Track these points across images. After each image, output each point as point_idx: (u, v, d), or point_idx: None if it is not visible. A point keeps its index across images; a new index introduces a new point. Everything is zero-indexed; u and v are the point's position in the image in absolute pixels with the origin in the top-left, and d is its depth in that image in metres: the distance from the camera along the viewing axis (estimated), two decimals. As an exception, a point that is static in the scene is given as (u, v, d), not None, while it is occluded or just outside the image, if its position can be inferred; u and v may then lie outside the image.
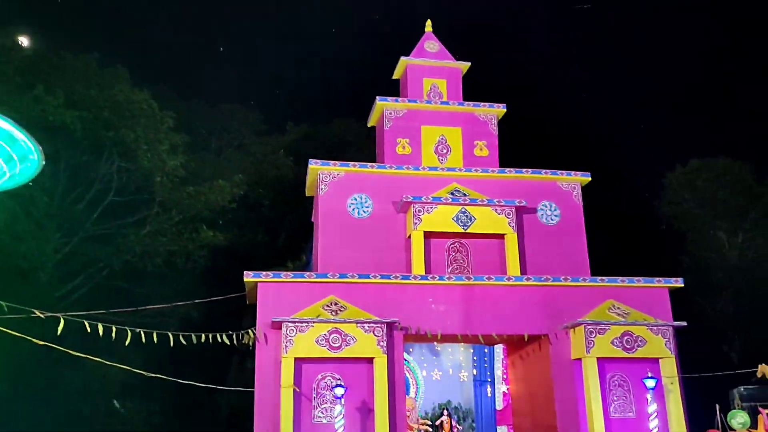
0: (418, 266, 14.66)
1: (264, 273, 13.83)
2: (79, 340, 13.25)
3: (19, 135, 7.68)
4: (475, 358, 18.82)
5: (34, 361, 18.79)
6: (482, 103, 16.87)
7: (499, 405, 18.16)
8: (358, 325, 13.10)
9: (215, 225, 24.92)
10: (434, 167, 15.94)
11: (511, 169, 16.13)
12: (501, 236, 15.32)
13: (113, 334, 11.90)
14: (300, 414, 12.78)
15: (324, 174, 15.41)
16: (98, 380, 21.12)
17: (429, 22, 18.08)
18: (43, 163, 8.01)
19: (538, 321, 14.36)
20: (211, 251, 24.26)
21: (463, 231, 15.08)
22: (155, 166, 22.67)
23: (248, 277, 13.72)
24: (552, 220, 15.97)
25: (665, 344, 13.86)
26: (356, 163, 15.93)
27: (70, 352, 11.80)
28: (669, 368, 13.83)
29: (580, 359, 13.86)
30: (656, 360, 13.89)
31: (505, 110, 16.97)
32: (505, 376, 17.90)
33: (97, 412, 21.22)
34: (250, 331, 13.45)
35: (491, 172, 16.04)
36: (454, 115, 16.72)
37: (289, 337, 12.84)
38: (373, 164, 16.00)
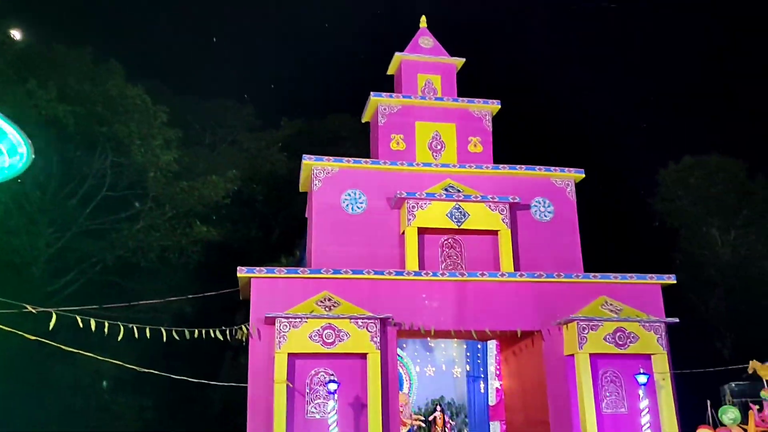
0: (411, 262, 14.67)
1: (257, 268, 13.82)
2: (72, 336, 13.20)
3: (9, 128, 7.60)
4: (468, 354, 18.87)
5: (26, 356, 18.75)
6: (476, 100, 16.87)
7: (492, 401, 18.22)
8: (352, 320, 13.11)
9: (209, 220, 24.89)
10: (428, 163, 15.94)
11: (505, 166, 16.14)
12: (494, 232, 15.34)
13: (106, 330, 11.87)
14: (293, 409, 12.79)
15: (318, 169, 15.39)
16: (90, 375, 21.10)
17: (424, 18, 18.05)
18: (33, 157, 7.93)
19: (531, 317, 14.40)
20: (205, 247, 24.23)
21: (456, 227, 15.10)
22: (149, 161, 22.61)
23: (242, 272, 13.71)
24: (545, 216, 16.00)
25: (657, 340, 13.93)
26: (350, 158, 15.90)
27: (63, 347, 11.77)
28: (661, 364, 13.90)
29: (572, 355, 13.91)
30: (648, 356, 13.96)
31: (499, 106, 16.98)
32: (498, 372, 17.95)
33: (89, 408, 21.20)
34: (243, 326, 13.44)
35: (485, 168, 16.05)
36: (449, 111, 16.71)
37: (283, 333, 12.84)
38: (367, 160, 15.99)
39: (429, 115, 16.60)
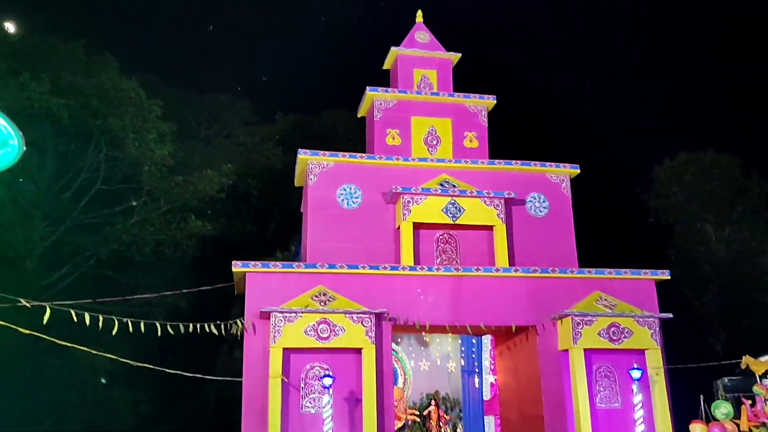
0: (407, 257, 14.68)
1: (252, 263, 13.79)
2: (66, 330, 13.17)
3: None
4: (463, 348, 18.90)
5: (20, 350, 18.71)
6: (472, 95, 16.85)
7: (487, 395, 18.26)
8: (347, 315, 13.11)
9: (204, 215, 24.83)
10: (424, 158, 15.93)
11: (501, 161, 16.15)
12: (490, 228, 15.36)
13: (100, 324, 11.84)
14: (288, 404, 12.79)
15: (313, 164, 15.37)
16: (85, 370, 21.05)
17: (420, 13, 18.02)
18: (24, 148, 7.85)
19: (525, 312, 14.43)
20: (200, 241, 24.18)
21: (452, 222, 15.10)
22: (143, 155, 22.53)
23: (236, 267, 13.68)
24: (541, 211, 16.02)
25: (651, 336, 13.98)
26: (346, 153, 15.88)
27: (57, 341, 11.74)
28: (655, 359, 13.95)
29: (567, 350, 13.96)
30: (642, 351, 14.01)
31: (495, 102, 16.98)
32: (492, 367, 18.00)
33: (83, 402, 21.16)
34: (238, 321, 13.43)
35: (480, 163, 16.06)
36: (444, 106, 16.70)
37: (278, 327, 12.83)
38: (363, 155, 15.96)
39: (425, 110, 16.59)
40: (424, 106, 16.61)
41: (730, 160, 29.36)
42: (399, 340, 18.73)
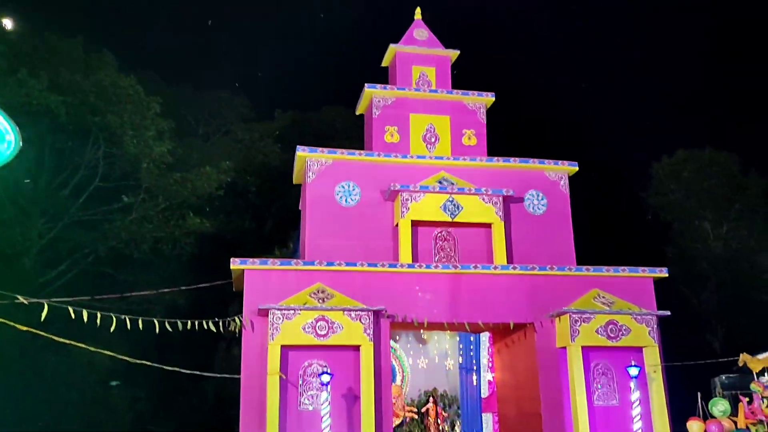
0: (405, 254, 14.68)
1: (251, 260, 13.79)
2: (64, 327, 13.16)
3: None
4: (461, 346, 18.92)
5: (18, 348, 18.70)
6: (471, 92, 16.84)
7: (485, 392, 18.29)
8: (345, 312, 13.12)
9: (202, 212, 24.81)
10: (422, 155, 15.92)
11: (499, 159, 16.14)
12: (488, 225, 15.36)
13: (98, 321, 11.83)
14: (286, 401, 12.81)
15: (312, 161, 15.36)
16: (83, 367, 21.05)
17: (418, 10, 17.99)
18: (21, 144, 7.85)
19: (523, 310, 14.44)
20: (198, 238, 24.17)
21: (450, 220, 15.10)
22: (141, 152, 22.50)
23: (235, 264, 13.68)
24: (539, 209, 16.03)
25: (649, 333, 14.00)
26: (344, 150, 15.86)
27: (55, 338, 11.74)
28: (652, 357, 13.97)
29: (564, 348, 13.97)
30: (640, 349, 14.03)
31: (493, 99, 16.96)
32: (490, 364, 18.01)
33: (82, 399, 21.16)
34: (236, 318, 13.42)
35: (479, 161, 16.05)
36: (443, 103, 16.69)
37: (276, 325, 12.84)
38: (361, 152, 15.95)
39: (423, 108, 16.57)
40: (423, 104, 16.60)
41: (728, 157, 29.41)
42: (397, 337, 18.75)
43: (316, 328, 12.94)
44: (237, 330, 13.51)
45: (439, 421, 18.24)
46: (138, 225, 22.78)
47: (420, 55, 17.27)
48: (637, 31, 37.66)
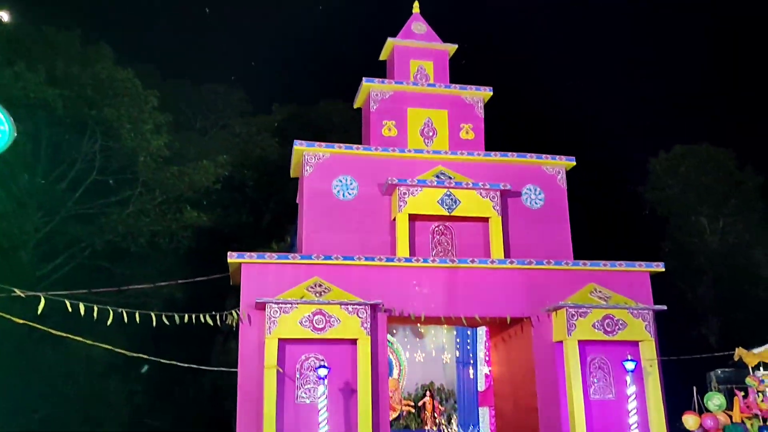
0: (402, 248, 14.70)
1: (248, 254, 13.80)
2: (61, 320, 13.16)
3: None
4: (458, 340, 18.96)
5: (15, 341, 18.68)
6: (469, 86, 16.83)
7: (481, 386, 18.34)
8: (342, 306, 13.14)
9: (199, 205, 24.77)
10: (420, 150, 15.92)
11: (497, 153, 16.15)
12: (485, 219, 15.38)
13: (95, 314, 11.83)
14: (283, 394, 12.84)
15: (309, 155, 15.35)
16: (80, 360, 21.05)
17: (417, 3, 17.95)
18: (15, 134, 7.81)
19: (520, 304, 14.49)
20: (195, 232, 24.14)
21: (447, 214, 15.12)
22: (139, 146, 22.44)
23: (232, 257, 13.68)
24: (536, 203, 16.04)
25: (645, 327, 14.05)
26: (342, 144, 15.86)
27: (52, 331, 11.73)
28: (648, 351, 14.03)
29: (561, 342, 14.02)
30: (636, 343, 14.09)
31: (491, 93, 16.96)
32: (487, 358, 18.07)
33: (79, 392, 21.16)
34: (233, 311, 13.44)
35: (477, 155, 16.06)
36: (441, 97, 16.68)
37: (273, 318, 12.86)
38: (359, 146, 15.94)
39: (421, 102, 16.56)
40: (421, 98, 16.59)
41: (725, 153, 29.44)
42: (394, 331, 18.79)
43: (314, 321, 12.97)
44: (234, 323, 13.53)
45: (435, 414, 18.29)
46: (135, 218, 22.73)
47: (418, 48, 17.25)
48: (636, 27, 37.64)
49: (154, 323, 12.60)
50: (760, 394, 13.67)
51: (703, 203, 29.12)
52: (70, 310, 11.67)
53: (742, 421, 13.48)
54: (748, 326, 24.39)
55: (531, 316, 14.44)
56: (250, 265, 13.64)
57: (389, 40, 17.28)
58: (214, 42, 35.88)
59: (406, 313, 13.94)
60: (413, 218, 15.14)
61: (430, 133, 16.43)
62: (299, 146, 15.39)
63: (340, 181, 15.26)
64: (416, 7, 17.91)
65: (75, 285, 14.95)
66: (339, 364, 13.11)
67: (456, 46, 17.51)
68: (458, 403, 18.59)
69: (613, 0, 35.94)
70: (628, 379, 13.14)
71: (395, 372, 18.72)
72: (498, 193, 15.36)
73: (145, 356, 12.72)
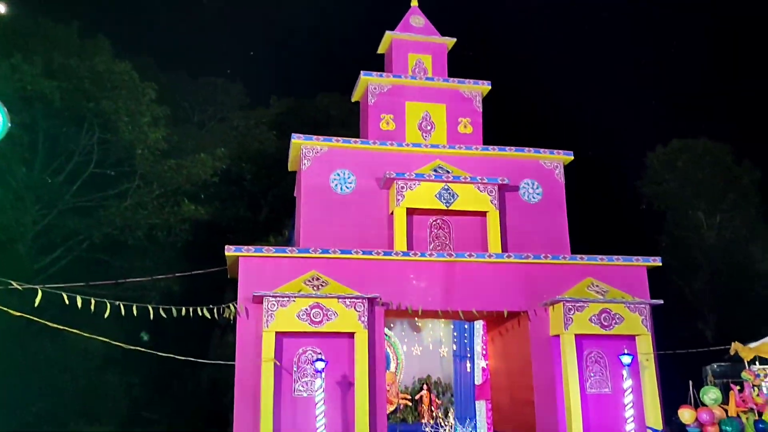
0: (400, 242, 14.71)
1: (245, 247, 13.80)
2: (59, 314, 13.17)
3: None
4: (455, 333, 18.94)
5: (12, 334, 18.69)
6: (467, 80, 16.81)
7: (478, 380, 18.34)
8: (340, 300, 13.16)
9: (197, 199, 24.76)
10: (418, 144, 15.91)
11: (495, 147, 16.15)
12: (483, 213, 15.39)
13: (92, 307, 11.84)
14: (280, 387, 12.87)
15: (307, 149, 15.33)
16: (78, 353, 21.07)
17: (415, -3, 17.91)
18: (9, 124, 7.79)
19: (517, 298, 14.52)
20: (193, 225, 24.13)
21: (445, 208, 15.13)
22: (136, 139, 22.40)
23: (229, 251, 13.69)
24: (534, 198, 16.06)
25: (642, 322, 14.09)
26: (340, 138, 15.84)
27: (49, 324, 11.74)
28: (645, 345, 14.07)
29: (558, 336, 14.06)
30: (633, 337, 14.13)
31: (489, 87, 16.94)
32: (484, 352, 18.07)
33: (77, 385, 21.19)
34: (231, 305, 13.45)
35: (474, 149, 16.05)
36: (439, 91, 16.66)
37: (271, 312, 12.87)
38: (357, 140, 15.93)
39: (419, 95, 16.54)
40: (419, 91, 16.57)
41: (723, 148, 29.47)
42: (392, 324, 18.80)
43: (311, 315, 12.99)
44: (232, 317, 13.55)
45: (432, 408, 18.33)
46: (133, 211, 22.72)
47: (416, 42, 17.21)
48: (635, 23, 37.59)
49: (152, 316, 12.62)
50: (755, 388, 13.73)
51: (700, 198, 29.18)
52: (67, 302, 11.69)
53: (738, 415, 13.54)
54: (745, 321, 24.47)
55: (528, 310, 14.47)
56: (247, 259, 13.65)
57: (387, 33, 17.24)
58: (212, 35, 35.76)
59: (403, 306, 13.97)
60: (411, 212, 15.15)
61: (428, 127, 16.42)
62: (297, 140, 15.38)
63: (338, 175, 15.25)
64: (415, 1, 17.86)
65: (73, 278, 14.98)
66: (336, 357, 13.14)
67: (454, 39, 17.48)
68: (455, 397, 18.61)
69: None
70: (625, 373, 13.18)
71: (392, 365, 18.75)
72: (496, 188, 15.37)
73: (143, 349, 12.74)
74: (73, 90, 21.32)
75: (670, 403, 14.31)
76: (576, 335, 13.86)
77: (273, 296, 12.93)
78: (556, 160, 16.36)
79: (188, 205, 23.73)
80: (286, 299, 12.96)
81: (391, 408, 17.75)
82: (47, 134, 21.82)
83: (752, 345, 14.29)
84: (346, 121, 28.75)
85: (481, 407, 17.98)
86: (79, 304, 11.64)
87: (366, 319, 13.23)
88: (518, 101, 30.59)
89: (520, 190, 15.99)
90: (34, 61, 20.59)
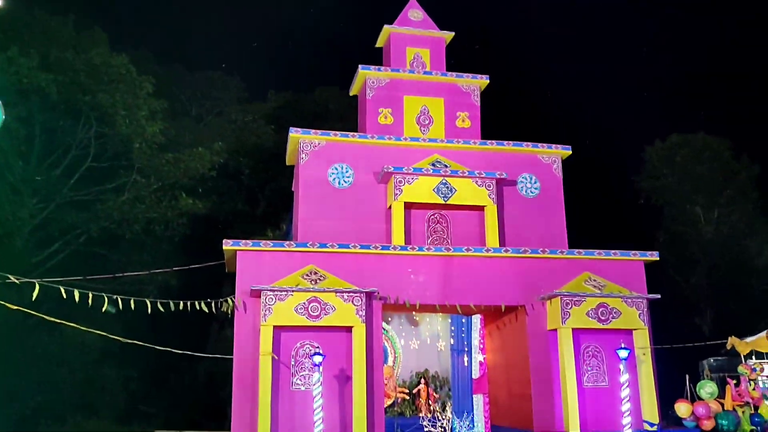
0: (398, 237, 14.71)
1: (243, 242, 13.80)
2: (56, 307, 13.16)
3: None
4: (452, 327, 18.95)
5: (10, 327, 18.67)
6: (465, 74, 16.79)
7: (476, 374, 18.37)
8: (338, 294, 13.16)
9: (195, 193, 24.72)
10: (416, 138, 15.89)
11: (493, 141, 16.14)
12: (481, 208, 15.40)
13: (90, 301, 11.83)
14: (278, 381, 12.88)
15: (305, 143, 15.31)
16: (75, 347, 21.06)
17: (413, -10, 17.86)
18: (4, 117, 7.76)
19: (515, 292, 14.54)
20: (191, 219, 24.10)
21: (443, 202, 15.13)
22: (134, 132, 22.33)
23: (227, 245, 13.68)
24: (532, 192, 16.06)
25: (639, 316, 14.12)
26: (337, 132, 15.83)
27: (47, 317, 11.73)
28: (642, 339, 14.11)
29: (555, 330, 14.09)
30: (630, 331, 14.16)
31: (488, 82, 16.92)
32: (481, 346, 18.09)
33: (74, 379, 21.19)
34: (229, 299, 13.46)
35: (473, 143, 16.04)
36: (437, 85, 16.64)
37: (269, 306, 12.88)
38: (355, 134, 15.91)
39: (417, 89, 16.52)
40: (417, 85, 16.54)
41: (721, 142, 29.48)
42: (389, 318, 18.83)
43: (309, 309, 12.99)
44: (229, 311, 13.55)
45: (430, 401, 18.38)
46: (130, 205, 22.67)
47: (414, 36, 17.18)
48: (633, 16, 37.54)
49: (150, 310, 12.62)
50: (751, 383, 13.79)
51: (698, 193, 29.20)
52: (64, 296, 11.68)
53: (734, 409, 13.60)
54: (741, 315, 24.55)
55: (525, 305, 14.50)
56: (245, 253, 13.64)
57: (386, 27, 17.20)
58: (209, 28, 35.60)
59: (401, 300, 13.98)
60: (409, 206, 15.14)
61: (426, 121, 16.40)
62: (295, 134, 15.35)
63: (336, 169, 15.24)
64: (413, -6, 17.81)
65: (70, 272, 14.94)
66: (334, 351, 13.16)
67: (453, 33, 17.44)
68: (452, 391, 18.65)
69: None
70: (622, 367, 13.21)
71: (390, 359, 18.78)
72: (494, 182, 15.36)
73: (140, 343, 12.73)
74: (70, 83, 21.24)
75: (667, 397, 14.36)
76: (573, 329, 13.89)
77: (271, 290, 12.93)
78: (554, 154, 16.36)
79: (186, 199, 23.69)
80: (283, 293, 12.96)
81: (389, 402, 17.79)
82: (44, 127, 21.74)
83: (749, 339, 14.34)
84: (344, 115, 28.71)
85: (479, 401, 18.00)
86: (77, 298, 11.63)
87: (364, 313, 13.24)
88: (516, 95, 30.57)
89: (518, 184, 15.99)
90: (31, 54, 20.49)
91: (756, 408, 13.54)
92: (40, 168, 22.04)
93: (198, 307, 13.18)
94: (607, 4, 36.11)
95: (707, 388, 13.74)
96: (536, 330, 14.39)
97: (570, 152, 16.48)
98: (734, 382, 13.93)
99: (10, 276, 11.11)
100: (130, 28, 30.44)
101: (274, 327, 12.93)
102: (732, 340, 14.12)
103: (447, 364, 18.95)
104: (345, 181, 15.22)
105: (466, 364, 18.59)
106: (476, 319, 18.30)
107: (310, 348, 13.14)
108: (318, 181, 15.08)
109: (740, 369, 13.97)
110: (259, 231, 26.09)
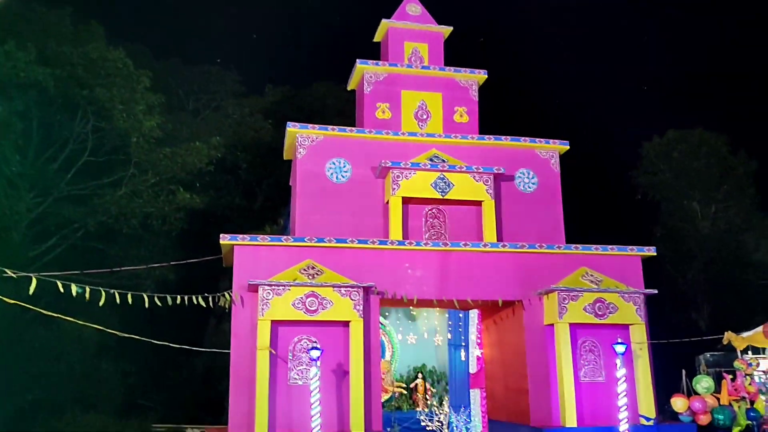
0: (395, 231, 14.72)
1: (241, 236, 13.79)
2: (53, 301, 13.16)
3: None
4: (450, 322, 19.02)
5: (7, 322, 18.67)
6: (463, 69, 16.77)
7: (473, 369, 18.42)
8: (335, 289, 13.17)
9: (192, 187, 24.70)
10: (414, 133, 15.88)
11: (490, 136, 16.13)
12: (478, 203, 15.40)
13: (87, 295, 11.83)
14: (276, 376, 12.90)
15: (302, 137, 15.29)
16: (73, 341, 21.05)
17: (411, -15, 17.80)
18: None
19: (512, 287, 14.56)
20: (188, 214, 24.08)
21: (441, 197, 15.12)
22: (131, 127, 22.28)
23: (225, 240, 13.68)
24: (529, 187, 16.07)
25: (636, 311, 14.15)
26: (335, 127, 15.79)
27: (44, 312, 11.73)
28: (639, 334, 14.15)
29: (552, 325, 14.12)
30: (626, 326, 14.20)
31: (486, 77, 16.90)
32: (479, 341, 18.15)
33: (72, 373, 21.19)
34: (226, 293, 13.46)
35: (470, 138, 16.03)
36: (435, 80, 16.62)
37: (266, 300, 12.88)
38: (353, 128, 15.88)
39: (415, 84, 16.50)
40: (415, 80, 16.52)
41: (718, 138, 29.53)
42: (387, 313, 18.85)
43: (306, 303, 13.00)
44: (227, 305, 13.56)
45: (427, 396, 18.42)
46: (128, 200, 22.64)
47: (412, 30, 17.14)
48: (631, 13, 37.51)
49: (147, 305, 12.61)
50: (747, 378, 13.84)
51: (695, 188, 29.26)
52: (62, 290, 11.67)
53: (730, 404, 13.66)
54: (738, 310, 24.63)
55: (523, 299, 14.52)
56: (242, 247, 13.64)
57: (383, 21, 17.16)
58: (207, 22, 35.53)
59: (398, 295, 13.99)
60: (406, 201, 15.14)
61: (424, 116, 16.39)
62: (292, 128, 15.33)
63: (334, 164, 15.23)
64: (411, -11, 17.76)
65: (67, 266, 14.93)
66: (331, 346, 13.17)
67: (451, 28, 17.41)
68: (450, 385, 18.70)
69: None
70: (618, 362, 13.24)
71: (387, 354, 18.81)
72: (491, 177, 15.37)
73: (138, 337, 12.74)
74: (67, 77, 21.18)
75: (663, 391, 14.42)
76: (570, 324, 13.92)
77: (268, 285, 12.94)
78: (552, 149, 16.36)
79: (183, 193, 23.66)
80: (281, 288, 12.97)
81: (386, 396, 17.83)
82: (41, 122, 21.68)
83: (745, 334, 14.38)
84: (342, 109, 28.70)
85: (476, 396, 18.07)
86: (74, 292, 11.62)
87: (361, 308, 13.26)
88: (514, 91, 30.56)
89: (515, 179, 15.99)
90: (28, 47, 20.41)
91: (752, 403, 13.60)
92: (38, 162, 21.99)
93: (195, 302, 13.19)
94: (606, 2, 36.10)
95: (703, 383, 13.79)
96: (533, 325, 14.42)
97: (568, 147, 16.48)
98: (730, 377, 13.98)
99: (7, 270, 11.09)
100: (127, 22, 30.37)
101: (272, 321, 12.94)
102: (728, 335, 14.16)
103: (444, 359, 18.99)
104: (342, 176, 15.21)
105: (463, 358, 18.64)
106: (473, 314, 18.34)
107: (308, 342, 13.15)
108: (315, 176, 15.07)
109: (736, 364, 14.01)
110: (257, 226, 26.09)
